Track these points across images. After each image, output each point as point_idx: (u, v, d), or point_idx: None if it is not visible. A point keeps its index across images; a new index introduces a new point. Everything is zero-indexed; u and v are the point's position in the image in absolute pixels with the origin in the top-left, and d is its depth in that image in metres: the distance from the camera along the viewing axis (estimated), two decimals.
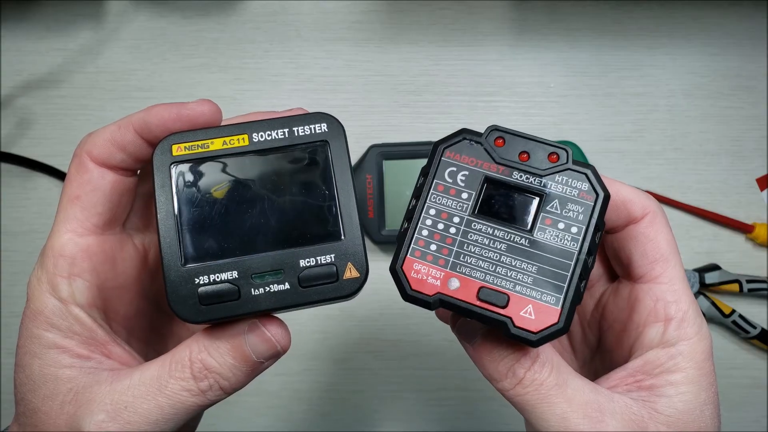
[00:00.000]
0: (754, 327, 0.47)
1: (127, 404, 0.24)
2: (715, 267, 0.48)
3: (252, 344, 0.24)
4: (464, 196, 0.24)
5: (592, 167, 0.24)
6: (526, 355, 0.24)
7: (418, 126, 0.50)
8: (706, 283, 0.47)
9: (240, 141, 0.25)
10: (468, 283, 0.23)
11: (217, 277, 0.24)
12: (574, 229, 0.23)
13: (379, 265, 0.50)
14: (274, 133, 0.25)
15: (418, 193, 0.24)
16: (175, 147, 0.25)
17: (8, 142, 0.50)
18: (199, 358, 0.24)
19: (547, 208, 0.23)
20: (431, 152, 0.25)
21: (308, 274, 0.24)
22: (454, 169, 0.24)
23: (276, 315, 0.25)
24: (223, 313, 0.24)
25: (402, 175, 0.48)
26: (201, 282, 0.23)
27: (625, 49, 0.51)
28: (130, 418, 0.23)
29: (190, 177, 0.25)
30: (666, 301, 0.24)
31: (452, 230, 0.23)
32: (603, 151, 0.50)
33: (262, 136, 0.25)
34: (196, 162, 0.25)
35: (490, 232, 0.23)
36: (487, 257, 0.23)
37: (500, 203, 0.24)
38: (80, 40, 0.51)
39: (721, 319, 0.47)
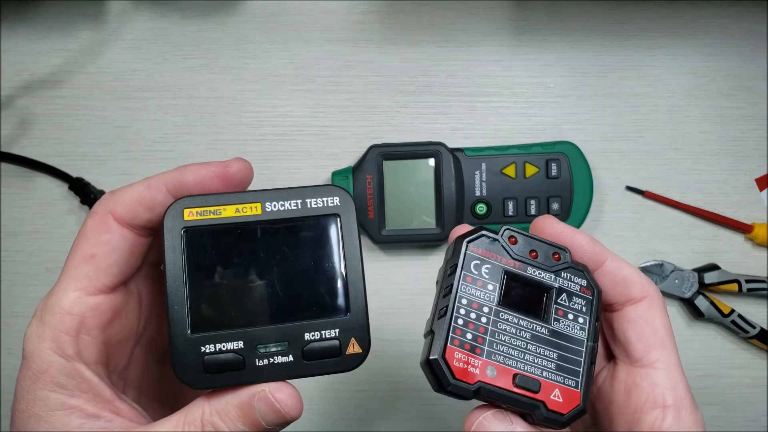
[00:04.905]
0: (754, 327, 0.47)
1: None
2: (714, 267, 0.48)
3: (262, 412, 0.24)
4: (490, 287, 0.25)
5: (585, 266, 0.26)
6: None
7: (419, 126, 0.50)
8: (705, 282, 0.47)
9: (253, 209, 0.25)
10: (503, 370, 0.24)
11: (223, 346, 0.24)
12: (581, 320, 0.25)
13: (380, 264, 0.50)
14: (287, 204, 0.25)
15: (449, 282, 0.25)
16: (186, 211, 0.24)
17: (8, 142, 0.50)
18: (210, 421, 0.24)
19: (558, 300, 0.25)
20: (454, 245, 0.26)
21: (312, 348, 0.24)
22: (478, 262, 0.25)
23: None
24: (226, 382, 0.24)
25: (402, 175, 0.48)
26: (207, 351, 0.24)
27: (624, 50, 0.51)
28: None
29: (201, 244, 0.24)
30: (664, 387, 0.25)
31: (483, 319, 0.25)
32: (603, 152, 0.50)
33: (275, 206, 0.25)
34: (207, 229, 0.24)
35: (516, 322, 0.25)
36: (516, 345, 0.25)
37: (519, 295, 0.25)
38: (81, 40, 0.51)
39: (720, 319, 0.47)
